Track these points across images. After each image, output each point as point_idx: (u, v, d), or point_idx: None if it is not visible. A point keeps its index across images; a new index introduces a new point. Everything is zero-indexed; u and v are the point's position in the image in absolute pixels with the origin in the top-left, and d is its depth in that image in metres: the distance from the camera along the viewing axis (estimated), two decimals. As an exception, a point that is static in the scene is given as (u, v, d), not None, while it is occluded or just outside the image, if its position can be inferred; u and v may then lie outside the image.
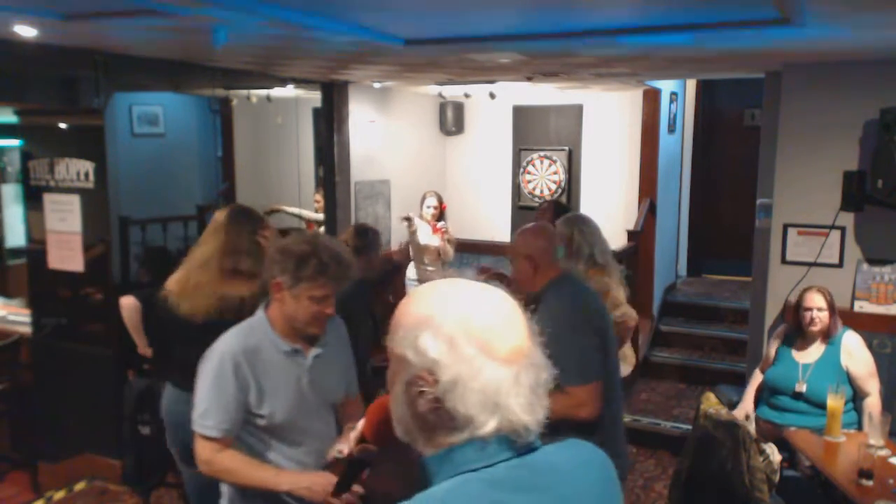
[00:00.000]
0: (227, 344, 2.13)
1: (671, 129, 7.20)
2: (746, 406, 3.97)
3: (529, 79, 5.41)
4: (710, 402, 3.59)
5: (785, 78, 4.32)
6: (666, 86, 6.78)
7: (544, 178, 7.25)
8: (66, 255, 4.42)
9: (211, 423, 2.08)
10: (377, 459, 1.29)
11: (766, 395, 3.88)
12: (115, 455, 4.34)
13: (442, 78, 5.63)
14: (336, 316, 2.23)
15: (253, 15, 2.77)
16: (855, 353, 3.69)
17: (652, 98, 6.70)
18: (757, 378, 4.02)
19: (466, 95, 6.89)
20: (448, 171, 7.79)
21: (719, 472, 3.26)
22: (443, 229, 5.91)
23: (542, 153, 7.25)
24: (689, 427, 4.03)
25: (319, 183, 6.82)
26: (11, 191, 7.00)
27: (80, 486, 4.42)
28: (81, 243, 4.36)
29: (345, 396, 2.36)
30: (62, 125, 4.60)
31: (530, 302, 2.59)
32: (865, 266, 4.17)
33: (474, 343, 1.01)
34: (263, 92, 6.54)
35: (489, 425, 1.01)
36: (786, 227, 4.33)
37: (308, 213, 6.75)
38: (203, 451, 2.11)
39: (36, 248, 4.61)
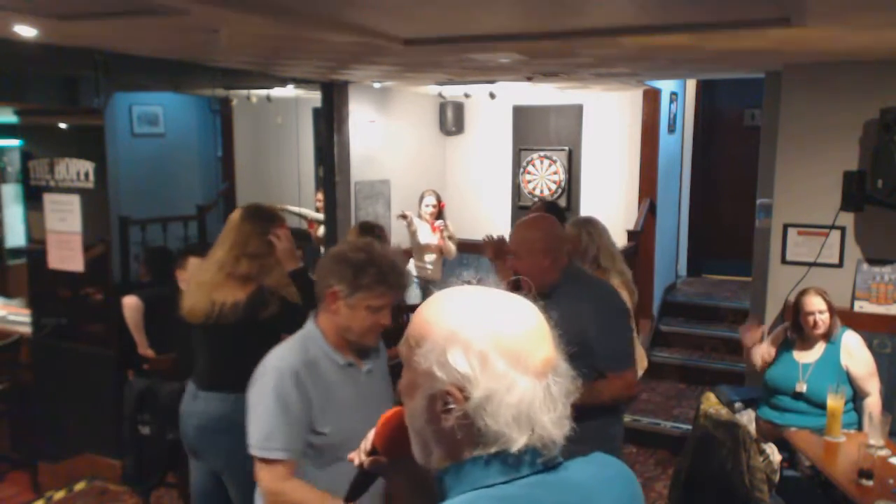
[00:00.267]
0: (282, 359, 2.02)
1: (671, 129, 7.21)
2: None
3: (529, 79, 5.41)
4: (710, 402, 3.59)
5: (785, 78, 4.32)
6: (666, 86, 6.79)
7: (544, 178, 7.25)
8: (66, 255, 4.42)
9: (278, 445, 1.94)
10: (388, 472, 1.26)
11: (766, 395, 3.87)
12: (115, 455, 4.34)
13: (442, 78, 5.63)
14: None
15: (253, 15, 2.78)
16: (855, 353, 3.69)
17: (652, 98, 6.70)
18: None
19: (466, 95, 6.89)
20: (448, 171, 7.79)
21: (719, 472, 3.26)
22: (441, 227, 5.93)
23: (542, 153, 7.25)
24: (689, 427, 4.03)
25: (320, 183, 6.82)
26: (11, 191, 7.00)
27: (80, 486, 4.42)
28: (81, 243, 4.36)
29: None
30: (62, 125, 4.60)
31: (542, 296, 2.59)
32: (865, 266, 4.17)
33: (506, 357, 0.98)
34: (263, 92, 6.54)
35: (520, 441, 0.98)
36: (786, 227, 4.33)
37: (310, 213, 6.76)
38: (270, 479, 1.95)
39: (36, 248, 4.61)
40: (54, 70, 4.95)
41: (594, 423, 2.64)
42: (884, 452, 3.17)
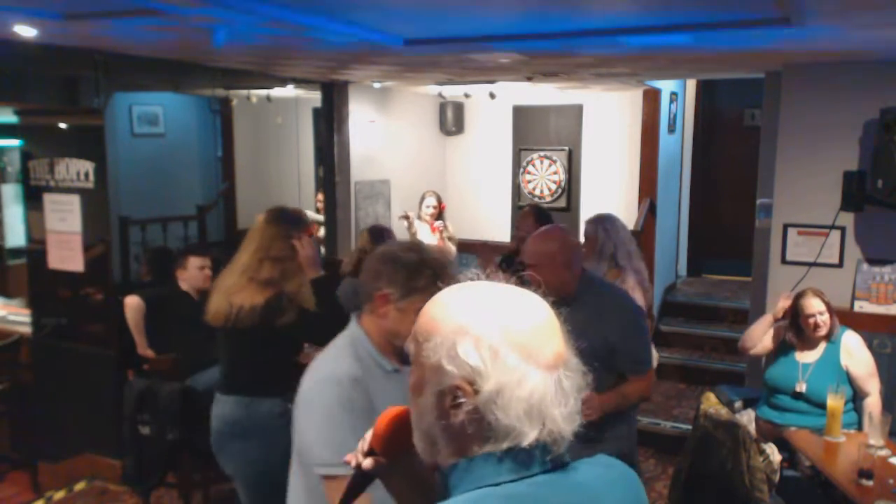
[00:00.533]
0: (337, 366, 1.88)
1: (671, 129, 7.20)
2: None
3: (529, 79, 5.42)
4: (710, 402, 3.59)
5: (785, 78, 4.32)
6: (666, 86, 6.78)
7: (544, 178, 7.25)
8: (66, 255, 4.42)
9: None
10: (387, 473, 1.25)
11: (766, 394, 3.87)
12: (115, 455, 4.34)
13: (442, 78, 5.63)
14: None
15: (253, 15, 2.78)
16: (855, 353, 3.69)
17: (652, 98, 6.70)
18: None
19: (466, 95, 6.89)
20: (448, 171, 7.79)
21: (719, 472, 3.26)
22: (440, 228, 5.93)
23: (542, 153, 7.25)
24: (689, 427, 4.03)
25: (320, 183, 6.82)
26: (11, 191, 7.00)
27: (80, 486, 4.42)
28: (81, 243, 4.36)
29: None
30: (62, 125, 4.60)
31: (562, 305, 2.61)
32: (865, 266, 4.17)
33: (517, 350, 0.97)
34: (263, 92, 6.55)
35: (530, 436, 0.96)
36: (786, 227, 4.33)
37: (310, 214, 6.75)
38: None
39: (36, 248, 4.61)
40: (54, 70, 4.95)
41: (623, 424, 2.71)
42: (884, 452, 3.17)
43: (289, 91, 6.48)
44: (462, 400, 0.97)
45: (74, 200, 4.35)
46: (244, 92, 6.61)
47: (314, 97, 6.44)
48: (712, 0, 2.66)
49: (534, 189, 7.29)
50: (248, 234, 2.93)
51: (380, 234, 4.06)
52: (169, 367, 4.07)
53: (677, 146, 7.62)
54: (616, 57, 4.12)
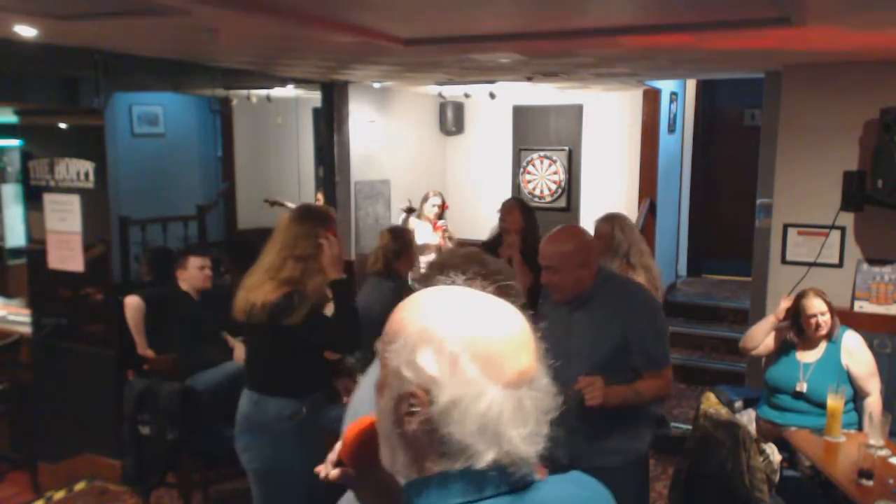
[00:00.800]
0: None
1: (671, 129, 7.20)
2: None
3: (529, 79, 5.42)
4: (710, 402, 3.59)
5: (785, 78, 4.32)
6: (666, 86, 6.78)
7: (544, 178, 7.25)
8: (66, 255, 4.42)
9: None
10: (356, 483, 1.23)
11: (766, 394, 3.87)
12: (115, 455, 4.34)
13: (442, 78, 5.63)
14: None
15: (252, 15, 2.77)
16: (855, 353, 3.69)
17: (652, 98, 6.70)
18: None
19: (466, 95, 6.89)
20: (448, 171, 7.79)
21: (719, 472, 3.26)
22: (443, 227, 5.95)
23: (542, 153, 7.25)
24: (690, 427, 4.03)
25: (320, 183, 6.82)
26: (11, 191, 6.99)
27: (80, 486, 4.42)
28: (81, 243, 4.36)
29: None
30: (62, 125, 4.60)
31: (580, 303, 2.64)
32: (865, 266, 4.17)
33: (478, 363, 0.92)
34: (263, 92, 6.54)
35: (486, 456, 0.91)
36: (786, 227, 4.33)
37: None
38: None
39: (36, 248, 4.61)
40: (54, 70, 4.95)
41: (631, 424, 2.68)
42: (884, 452, 3.17)
43: (289, 91, 6.48)
44: (416, 409, 0.93)
45: (74, 200, 4.35)
46: (244, 92, 6.60)
47: (314, 97, 6.44)
48: (712, 0, 2.66)
49: (534, 189, 7.29)
50: (274, 233, 2.89)
51: (401, 234, 4.07)
52: (169, 367, 4.07)
53: (677, 146, 7.62)
54: (616, 57, 4.12)
